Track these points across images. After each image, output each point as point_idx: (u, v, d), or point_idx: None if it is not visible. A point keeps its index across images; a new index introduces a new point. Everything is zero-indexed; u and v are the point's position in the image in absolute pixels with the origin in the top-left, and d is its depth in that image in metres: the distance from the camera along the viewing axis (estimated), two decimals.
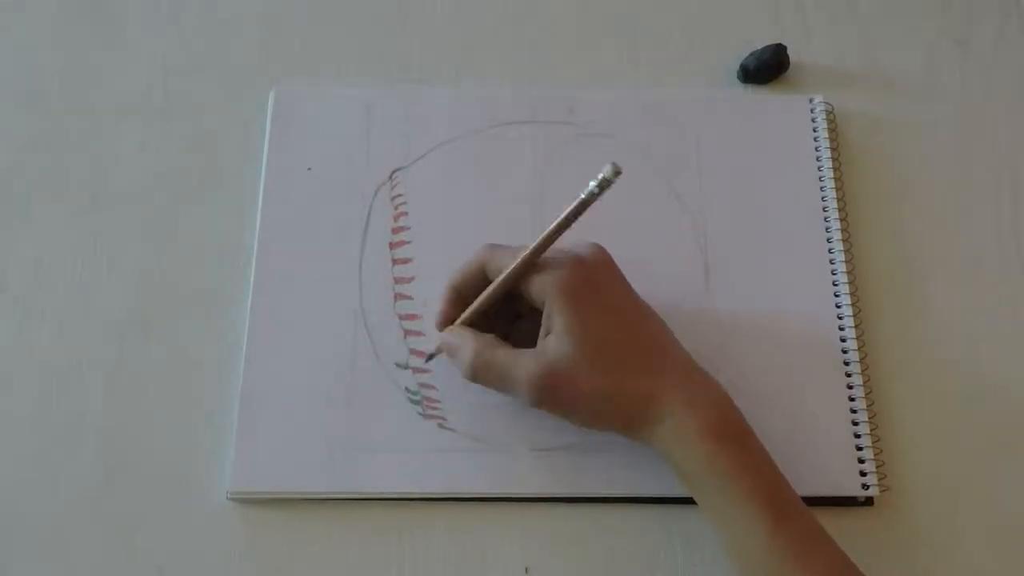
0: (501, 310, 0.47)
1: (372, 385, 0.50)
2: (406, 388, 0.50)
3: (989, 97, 0.59)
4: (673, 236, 0.54)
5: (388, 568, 0.47)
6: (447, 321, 0.47)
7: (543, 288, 0.43)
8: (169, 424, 0.49)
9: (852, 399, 0.50)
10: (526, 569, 0.47)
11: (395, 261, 0.53)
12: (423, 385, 0.50)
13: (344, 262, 0.52)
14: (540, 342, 0.44)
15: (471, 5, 0.61)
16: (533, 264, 0.43)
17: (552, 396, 0.43)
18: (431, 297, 0.51)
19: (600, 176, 0.40)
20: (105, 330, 0.51)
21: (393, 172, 0.55)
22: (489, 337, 0.45)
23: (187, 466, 0.48)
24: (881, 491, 0.48)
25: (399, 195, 0.54)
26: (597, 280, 0.44)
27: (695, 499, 0.44)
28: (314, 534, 0.47)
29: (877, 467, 0.48)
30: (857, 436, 0.49)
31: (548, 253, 0.44)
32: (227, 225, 0.54)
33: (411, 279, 0.52)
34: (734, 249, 0.53)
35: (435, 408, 0.49)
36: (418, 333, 0.51)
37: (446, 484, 0.48)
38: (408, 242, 0.53)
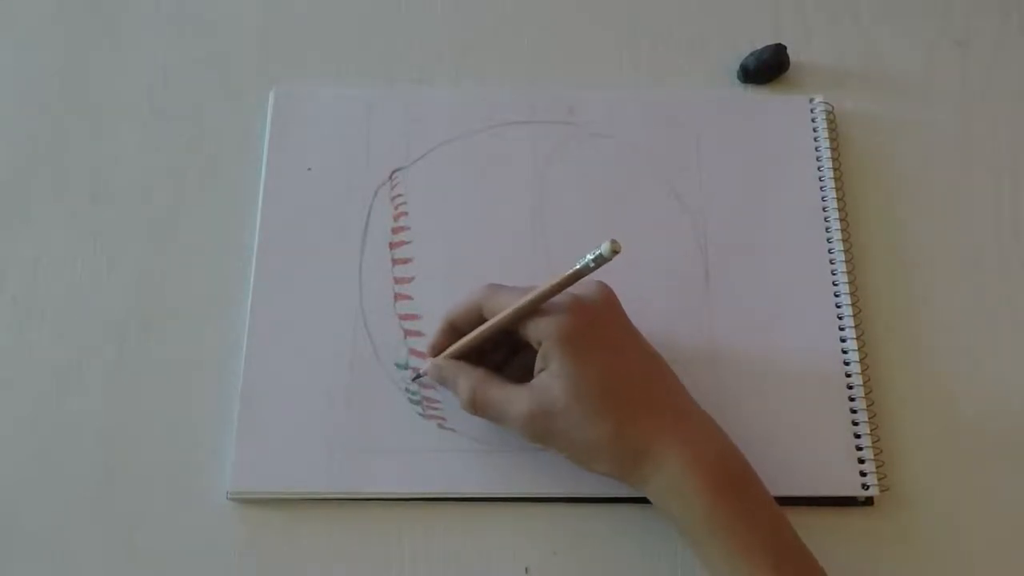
0: (501, 342, 0.47)
1: (372, 385, 0.50)
2: (406, 388, 0.50)
3: (989, 97, 0.59)
4: (673, 236, 0.54)
5: (388, 568, 0.47)
6: (438, 350, 0.47)
7: (539, 332, 0.43)
8: (169, 424, 0.49)
9: (852, 399, 0.50)
10: (526, 569, 0.47)
11: (395, 261, 0.53)
12: (423, 385, 0.50)
13: (344, 262, 0.52)
14: (535, 378, 0.43)
15: (471, 5, 0.61)
16: (530, 311, 0.43)
17: (542, 436, 0.43)
18: (431, 297, 0.51)
19: (597, 252, 0.39)
20: (105, 330, 0.51)
21: (393, 172, 0.55)
22: (481, 371, 0.45)
23: (187, 466, 0.48)
24: (881, 491, 0.48)
25: (399, 195, 0.54)
26: (597, 323, 0.44)
27: (692, 551, 0.43)
28: (314, 534, 0.47)
29: (877, 467, 0.48)
30: (857, 436, 0.49)
31: None
32: (227, 225, 0.54)
33: (411, 279, 0.52)
34: (734, 249, 0.53)
35: (435, 408, 0.49)
36: (418, 333, 0.51)
37: (446, 484, 0.48)
38: (408, 242, 0.53)
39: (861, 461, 0.48)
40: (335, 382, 0.49)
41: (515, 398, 0.43)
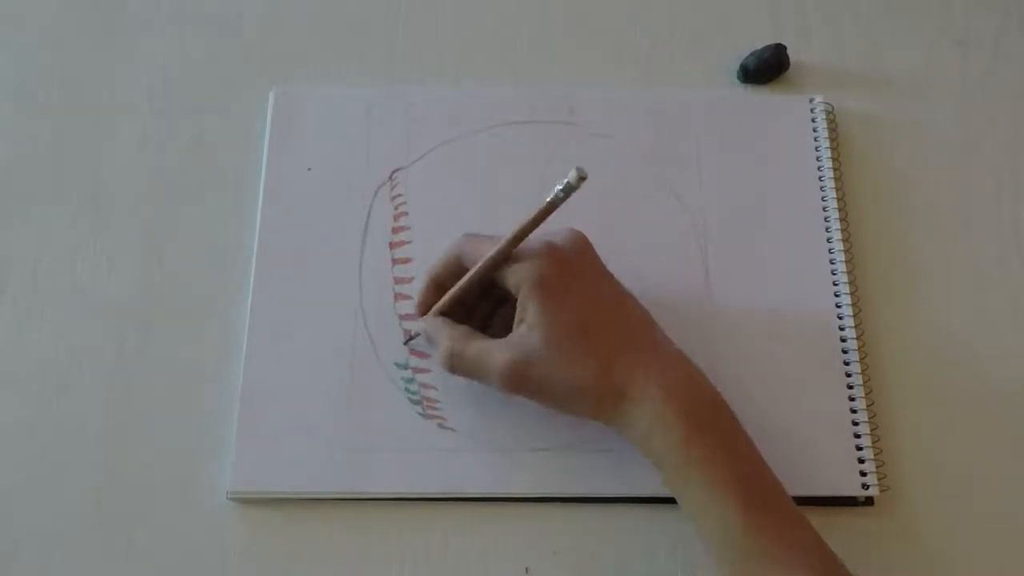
0: (486, 295, 0.47)
1: (372, 385, 0.50)
2: (406, 388, 0.50)
3: (989, 97, 0.59)
4: (673, 236, 0.54)
5: (388, 568, 0.47)
6: (426, 308, 0.48)
7: (516, 278, 0.43)
8: (169, 424, 0.49)
9: (852, 399, 0.50)
10: (526, 569, 0.47)
11: (395, 261, 0.53)
12: (423, 385, 0.50)
13: (344, 262, 0.52)
14: (514, 330, 0.44)
15: (471, 5, 0.61)
16: (507, 255, 0.44)
17: (523, 384, 0.44)
18: None
19: (565, 181, 0.41)
20: (105, 330, 0.51)
21: (393, 172, 0.55)
22: (463, 328, 0.46)
23: (187, 466, 0.48)
24: (881, 491, 0.48)
25: (399, 195, 0.54)
26: (571, 268, 0.44)
27: (670, 487, 0.43)
28: (314, 534, 0.47)
29: (877, 467, 0.48)
30: (857, 436, 0.49)
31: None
32: (227, 225, 0.54)
33: (411, 279, 0.52)
34: (734, 249, 0.53)
35: (435, 408, 0.49)
36: (418, 333, 0.51)
37: (446, 484, 0.48)
38: (408, 242, 0.53)
39: (861, 461, 0.48)
40: (335, 382, 0.50)
41: (494, 351, 0.44)
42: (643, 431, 0.43)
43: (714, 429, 0.43)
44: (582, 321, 0.43)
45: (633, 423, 0.43)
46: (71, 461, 0.49)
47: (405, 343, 0.50)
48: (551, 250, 0.44)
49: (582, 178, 0.40)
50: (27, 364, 0.51)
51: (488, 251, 0.44)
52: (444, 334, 0.45)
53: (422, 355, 0.50)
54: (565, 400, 0.44)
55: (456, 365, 0.45)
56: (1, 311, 0.52)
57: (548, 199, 0.42)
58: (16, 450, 0.49)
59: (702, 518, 0.42)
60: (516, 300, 0.44)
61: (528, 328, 0.43)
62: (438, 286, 0.47)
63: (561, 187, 0.41)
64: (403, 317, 0.51)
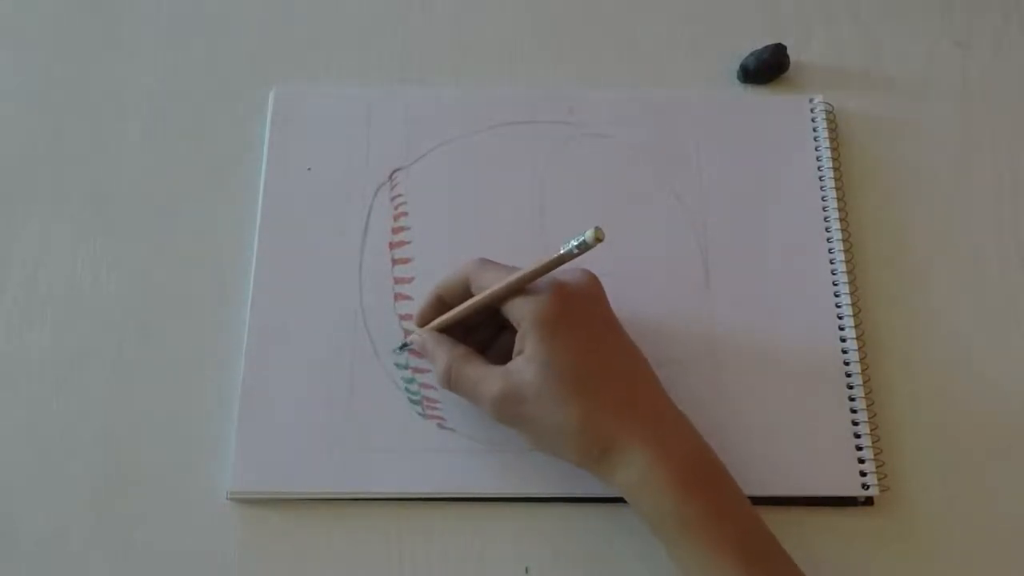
0: (488, 321, 0.47)
1: (372, 385, 0.50)
2: (406, 388, 0.50)
3: (989, 97, 0.59)
4: (673, 236, 0.54)
5: (388, 568, 0.47)
6: (424, 321, 0.48)
7: (520, 312, 0.43)
8: (169, 424, 0.49)
9: (852, 399, 0.50)
10: (526, 569, 0.47)
11: (395, 261, 0.53)
12: (423, 385, 0.50)
13: (344, 262, 0.52)
14: (512, 360, 0.44)
15: (471, 5, 0.61)
16: (514, 291, 0.43)
17: (512, 418, 0.44)
18: None
19: (581, 239, 0.39)
20: (105, 330, 0.51)
21: (393, 172, 0.55)
22: (463, 349, 0.45)
23: (187, 466, 0.48)
24: (881, 491, 0.48)
25: (399, 195, 0.54)
26: (577, 310, 0.44)
27: (662, 544, 0.43)
28: (314, 534, 0.47)
29: (877, 467, 0.48)
30: (857, 436, 0.49)
31: None
32: (227, 225, 0.54)
33: (411, 279, 0.52)
34: (734, 249, 0.53)
35: (435, 408, 0.49)
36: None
37: (446, 484, 0.48)
38: (408, 242, 0.53)
39: (861, 461, 0.48)
40: (335, 382, 0.50)
41: (489, 378, 0.43)
42: (630, 489, 0.42)
43: (706, 490, 0.42)
44: (577, 364, 0.42)
45: (618, 480, 0.42)
46: (71, 461, 0.49)
47: (399, 349, 0.50)
48: (559, 288, 0.43)
49: (598, 239, 0.39)
50: (27, 364, 0.51)
51: (497, 281, 0.44)
52: (444, 352, 0.45)
53: (422, 355, 0.50)
54: (550, 442, 0.44)
55: (453, 385, 0.45)
56: (1, 311, 0.52)
57: (561, 251, 0.41)
58: (16, 450, 0.49)
59: None
60: (516, 330, 0.44)
61: (524, 361, 0.42)
62: (441, 302, 0.47)
63: (576, 243, 0.40)
64: (403, 317, 0.51)
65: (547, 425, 0.43)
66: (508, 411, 0.43)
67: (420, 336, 0.47)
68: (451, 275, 0.47)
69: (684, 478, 0.41)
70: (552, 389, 0.42)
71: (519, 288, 0.43)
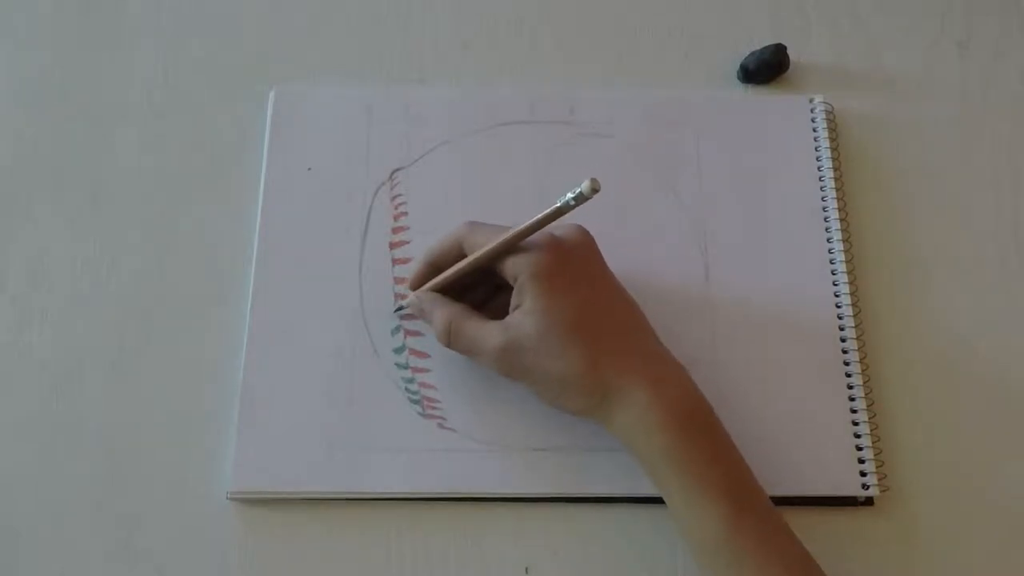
0: (482, 281, 0.48)
1: (372, 385, 0.50)
2: (406, 388, 0.50)
3: (989, 97, 0.59)
4: (673, 236, 0.54)
5: (388, 568, 0.47)
6: (417, 285, 0.48)
7: (516, 268, 0.44)
8: (169, 424, 0.49)
9: (852, 399, 0.50)
10: (526, 569, 0.47)
11: (395, 261, 0.53)
12: (423, 385, 0.50)
13: (344, 262, 0.52)
14: (510, 315, 0.44)
15: (471, 5, 0.61)
16: (509, 248, 0.44)
17: (514, 369, 0.44)
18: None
19: (578, 191, 0.40)
20: (105, 330, 0.51)
21: (393, 172, 0.55)
22: (460, 306, 0.46)
23: (187, 466, 0.48)
24: (881, 491, 0.48)
25: (399, 195, 0.54)
26: (572, 262, 0.45)
27: (655, 486, 0.44)
28: (314, 534, 0.47)
29: (877, 467, 0.48)
30: (857, 436, 0.49)
31: None
32: (227, 225, 0.54)
33: None
34: (734, 249, 0.53)
35: (435, 408, 0.49)
36: (418, 333, 0.51)
37: (446, 484, 0.48)
38: (408, 242, 0.53)
39: (861, 461, 0.48)
40: (335, 382, 0.50)
41: (489, 332, 0.44)
42: (627, 431, 0.43)
43: (700, 433, 0.43)
44: (576, 315, 0.43)
45: (617, 422, 0.43)
46: (71, 461, 0.49)
47: (395, 311, 0.51)
48: (554, 242, 0.44)
49: (595, 190, 0.40)
50: (27, 364, 0.51)
51: (489, 241, 0.44)
52: (442, 309, 0.46)
53: (422, 355, 0.50)
54: (552, 391, 0.45)
55: (453, 341, 0.46)
56: (1, 311, 0.52)
57: (557, 204, 0.41)
58: (16, 450, 0.49)
59: (684, 520, 0.42)
60: (513, 289, 0.44)
61: (523, 314, 0.43)
62: (434, 267, 0.48)
63: (573, 195, 0.41)
64: (403, 317, 0.51)
65: (549, 374, 0.43)
66: (509, 363, 0.44)
67: (416, 297, 0.48)
68: (441, 240, 0.47)
69: (679, 421, 0.42)
70: (552, 338, 0.43)
71: (515, 245, 0.44)
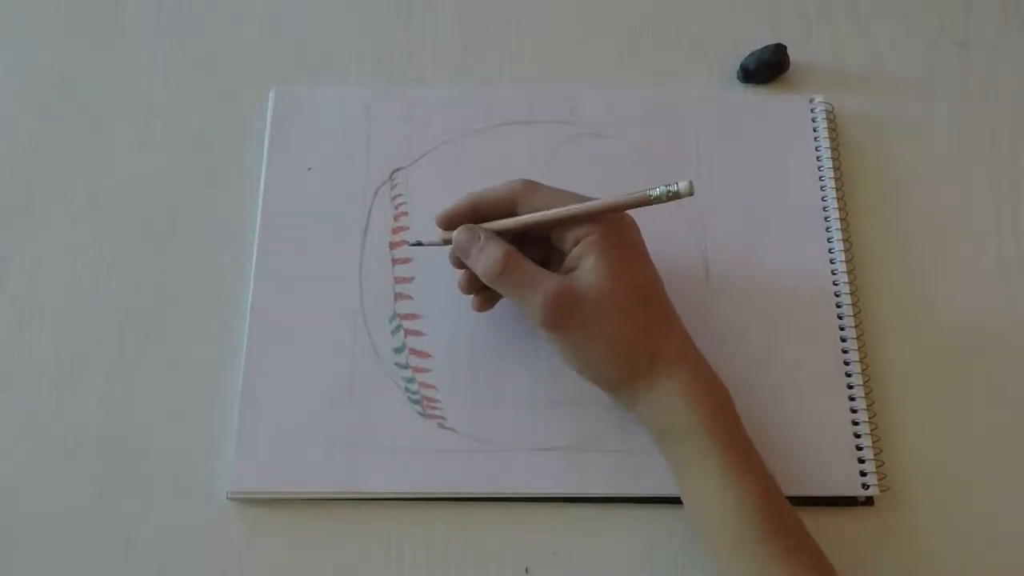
0: (515, 241, 0.47)
1: (372, 385, 0.50)
2: (406, 388, 0.50)
3: (989, 97, 0.59)
4: (673, 236, 0.53)
5: (388, 568, 0.47)
6: (449, 222, 0.47)
7: (578, 234, 0.44)
8: (169, 424, 0.49)
9: (852, 399, 0.50)
10: (526, 569, 0.47)
11: (395, 261, 0.53)
12: (423, 385, 0.50)
13: (344, 262, 0.52)
14: (571, 272, 0.44)
15: (471, 5, 0.61)
16: (574, 219, 0.44)
17: (565, 318, 0.43)
18: (431, 297, 0.51)
19: (675, 187, 0.41)
20: (105, 330, 0.51)
21: (393, 172, 0.55)
22: (515, 249, 0.45)
23: (187, 466, 0.48)
24: (881, 491, 0.48)
25: (399, 195, 0.54)
26: (633, 238, 0.45)
27: (676, 463, 0.44)
28: (314, 534, 0.47)
29: (877, 467, 0.48)
30: (857, 436, 0.49)
31: None
32: (227, 225, 0.54)
33: (411, 279, 0.52)
34: (734, 249, 0.53)
35: (435, 408, 0.49)
36: (418, 333, 0.51)
37: (446, 484, 0.48)
38: (408, 242, 0.53)
39: (861, 461, 0.48)
40: (335, 382, 0.50)
41: (548, 276, 0.44)
42: (669, 401, 0.43)
43: (732, 416, 0.44)
44: (639, 281, 0.44)
45: (659, 390, 0.43)
46: (71, 461, 0.49)
47: (411, 244, 0.50)
48: (618, 216, 0.45)
49: (690, 193, 0.41)
50: (27, 364, 0.51)
51: (551, 205, 0.44)
52: (499, 243, 0.45)
53: (422, 355, 0.50)
54: (599, 350, 0.44)
55: (507, 276, 0.44)
56: (1, 311, 0.52)
57: (649, 192, 0.42)
58: (16, 450, 0.49)
59: (716, 500, 0.42)
60: (562, 255, 0.45)
61: (586, 271, 0.43)
62: (476, 213, 0.46)
63: (668, 188, 0.41)
64: (403, 317, 0.51)
65: (605, 332, 0.43)
66: (561, 311, 0.43)
67: (469, 229, 0.45)
68: (493, 189, 0.46)
69: (719, 401, 0.44)
70: (613, 297, 0.43)
71: (589, 215, 0.44)
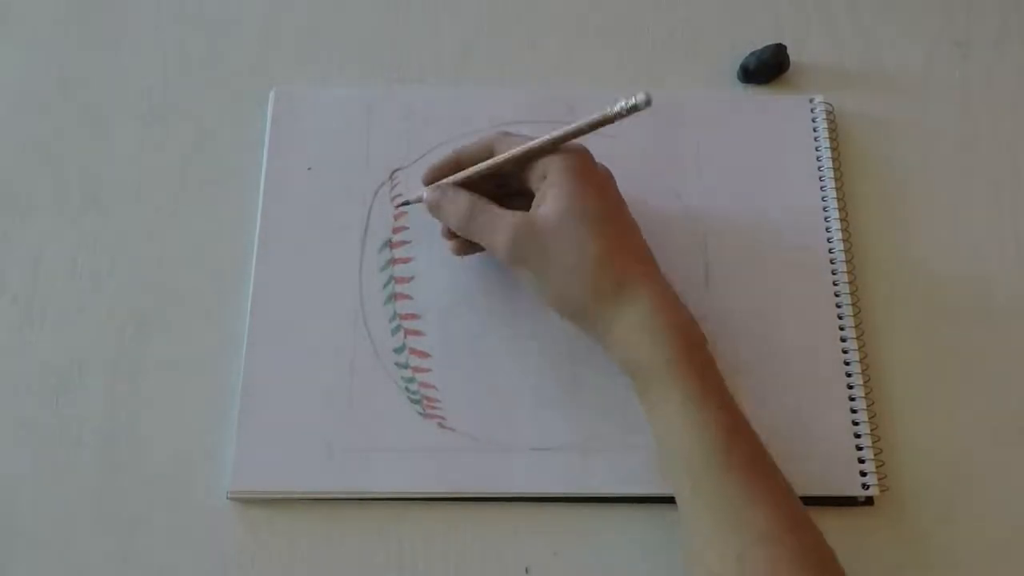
0: (495, 190, 0.48)
1: (372, 385, 0.50)
2: (406, 388, 0.50)
3: (989, 97, 0.59)
4: (673, 236, 0.53)
5: (388, 568, 0.47)
6: (433, 178, 0.48)
7: (547, 166, 0.45)
8: (169, 424, 0.49)
9: (852, 399, 0.50)
10: (526, 569, 0.47)
11: (395, 261, 0.53)
12: (423, 385, 0.50)
13: (344, 262, 0.52)
14: (534, 208, 0.45)
15: (471, 5, 0.61)
16: (544, 151, 0.45)
17: (526, 249, 0.44)
18: (431, 297, 0.51)
19: (632, 100, 0.41)
20: (105, 330, 0.51)
21: (393, 172, 0.55)
22: (480, 196, 0.46)
23: (187, 466, 0.48)
24: (881, 491, 0.48)
25: (399, 195, 0.54)
26: (599, 172, 0.46)
27: (641, 395, 0.44)
28: (314, 534, 0.47)
29: (877, 467, 0.48)
30: (857, 436, 0.49)
31: None
32: (227, 225, 0.54)
33: (411, 279, 0.52)
34: (734, 249, 0.53)
35: (435, 408, 0.49)
36: (418, 333, 0.51)
37: (446, 484, 0.48)
38: (408, 242, 0.53)
39: (861, 461, 0.48)
40: (335, 382, 0.50)
41: (510, 215, 0.45)
42: (632, 332, 0.43)
43: (698, 350, 0.43)
44: (600, 209, 0.44)
45: (624, 319, 0.43)
46: (71, 461, 0.49)
47: (398, 205, 0.52)
48: (585, 151, 0.45)
49: (648, 104, 0.40)
50: (27, 364, 0.51)
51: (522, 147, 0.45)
52: (463, 195, 0.46)
53: (422, 355, 0.50)
54: (562, 281, 0.44)
55: (471, 222, 0.46)
56: (1, 311, 0.52)
57: (607, 111, 0.42)
58: (16, 450, 0.49)
59: (674, 431, 0.42)
60: (532, 195, 0.45)
61: (547, 206, 0.44)
62: (458, 167, 0.48)
63: (626, 104, 0.41)
64: (403, 317, 0.51)
65: (563, 262, 0.44)
66: (525, 246, 0.44)
67: (438, 188, 0.47)
68: (472, 143, 0.48)
69: (683, 330, 0.43)
70: (573, 226, 0.43)
71: (555, 146, 0.45)
